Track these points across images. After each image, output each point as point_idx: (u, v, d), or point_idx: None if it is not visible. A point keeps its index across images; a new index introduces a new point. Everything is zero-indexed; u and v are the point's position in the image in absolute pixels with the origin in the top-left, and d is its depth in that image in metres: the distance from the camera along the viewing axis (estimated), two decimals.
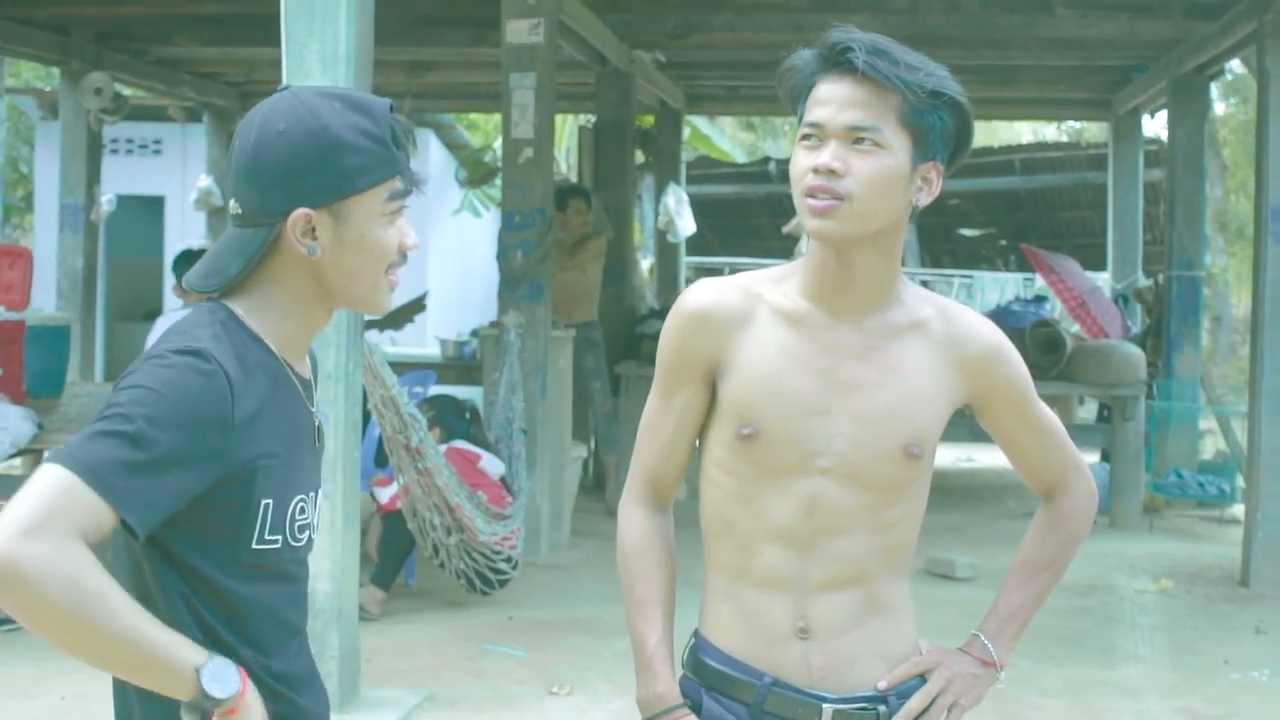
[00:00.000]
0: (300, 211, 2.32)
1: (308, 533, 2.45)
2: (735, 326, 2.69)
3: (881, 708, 2.68)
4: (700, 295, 2.74)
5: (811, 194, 2.57)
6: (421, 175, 2.43)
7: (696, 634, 2.80)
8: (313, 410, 2.48)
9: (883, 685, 2.68)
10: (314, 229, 2.33)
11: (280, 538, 2.36)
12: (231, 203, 2.38)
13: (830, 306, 2.66)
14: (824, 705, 2.65)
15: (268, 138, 2.33)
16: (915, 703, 2.70)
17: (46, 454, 9.15)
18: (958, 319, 2.76)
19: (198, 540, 2.27)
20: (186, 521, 2.23)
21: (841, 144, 2.56)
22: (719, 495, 2.74)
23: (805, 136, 2.60)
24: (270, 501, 2.32)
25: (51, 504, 2.05)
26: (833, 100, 2.57)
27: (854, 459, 2.64)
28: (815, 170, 2.56)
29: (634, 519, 2.83)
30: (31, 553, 2.02)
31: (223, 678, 2.17)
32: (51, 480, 2.06)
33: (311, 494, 2.45)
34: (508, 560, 8.20)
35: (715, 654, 2.73)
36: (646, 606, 2.77)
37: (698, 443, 2.82)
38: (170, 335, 2.31)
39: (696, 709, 2.72)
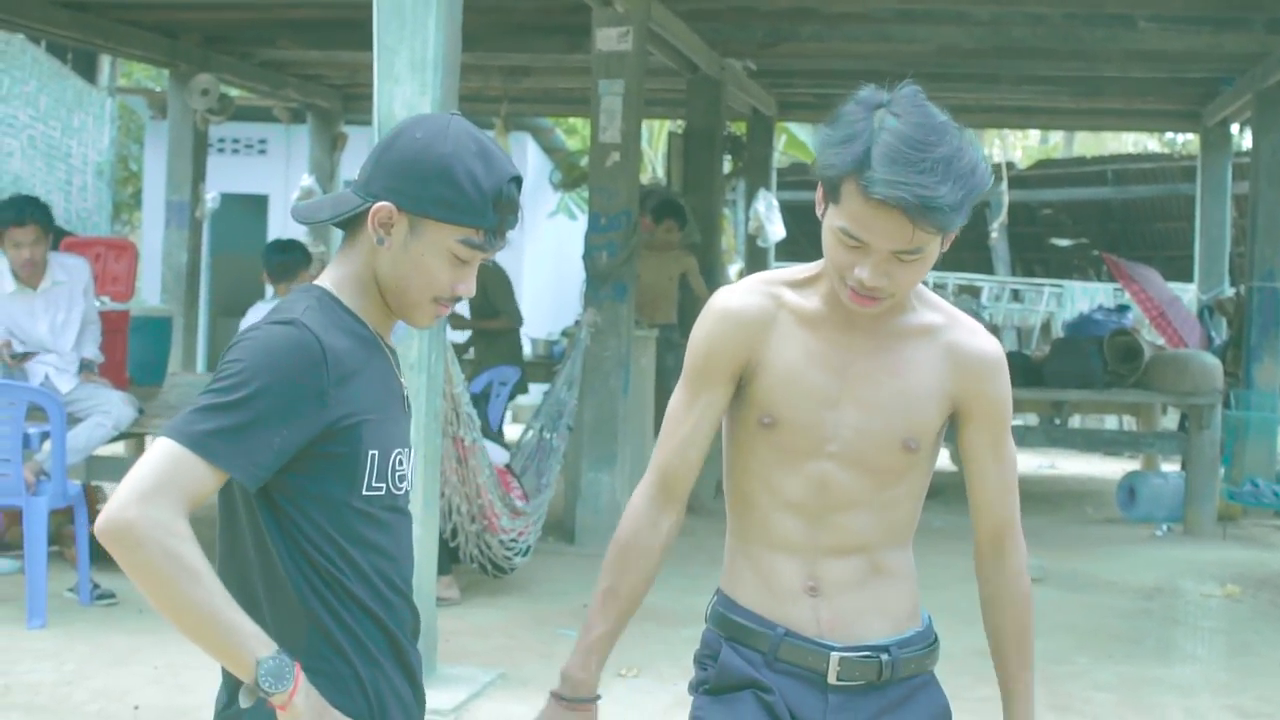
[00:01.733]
0: (387, 204, 2.57)
1: (406, 483, 2.70)
2: (762, 329, 2.95)
3: (884, 656, 2.94)
4: (729, 299, 3.01)
5: (856, 291, 2.78)
6: (504, 243, 2.65)
7: (719, 591, 3.08)
8: (401, 379, 2.75)
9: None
10: (391, 224, 2.58)
11: (385, 485, 2.62)
12: (360, 170, 2.65)
13: (848, 311, 2.90)
14: (831, 653, 2.92)
15: (406, 136, 2.61)
16: None
17: (154, 432, 9.55)
18: (963, 327, 2.99)
19: (314, 491, 2.54)
20: (304, 474, 2.51)
21: (884, 259, 2.75)
22: (741, 473, 3.03)
23: (846, 237, 2.75)
24: (376, 452, 2.59)
25: (162, 473, 2.38)
26: (875, 229, 2.71)
27: (859, 446, 2.91)
28: (861, 283, 2.76)
29: (634, 510, 3.07)
30: (145, 515, 2.34)
31: (278, 675, 2.40)
32: (162, 451, 2.39)
33: (406, 449, 2.71)
34: (520, 550, 8.49)
35: (735, 608, 3.01)
36: (608, 601, 3.03)
37: (723, 426, 3.08)
38: (270, 313, 2.60)
39: (715, 657, 3.01)
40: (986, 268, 20.56)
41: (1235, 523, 12.19)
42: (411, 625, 2.74)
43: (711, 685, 3.02)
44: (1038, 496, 13.72)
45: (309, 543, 2.55)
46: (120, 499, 2.35)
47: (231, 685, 2.61)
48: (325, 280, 2.67)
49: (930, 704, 3.02)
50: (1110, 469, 15.53)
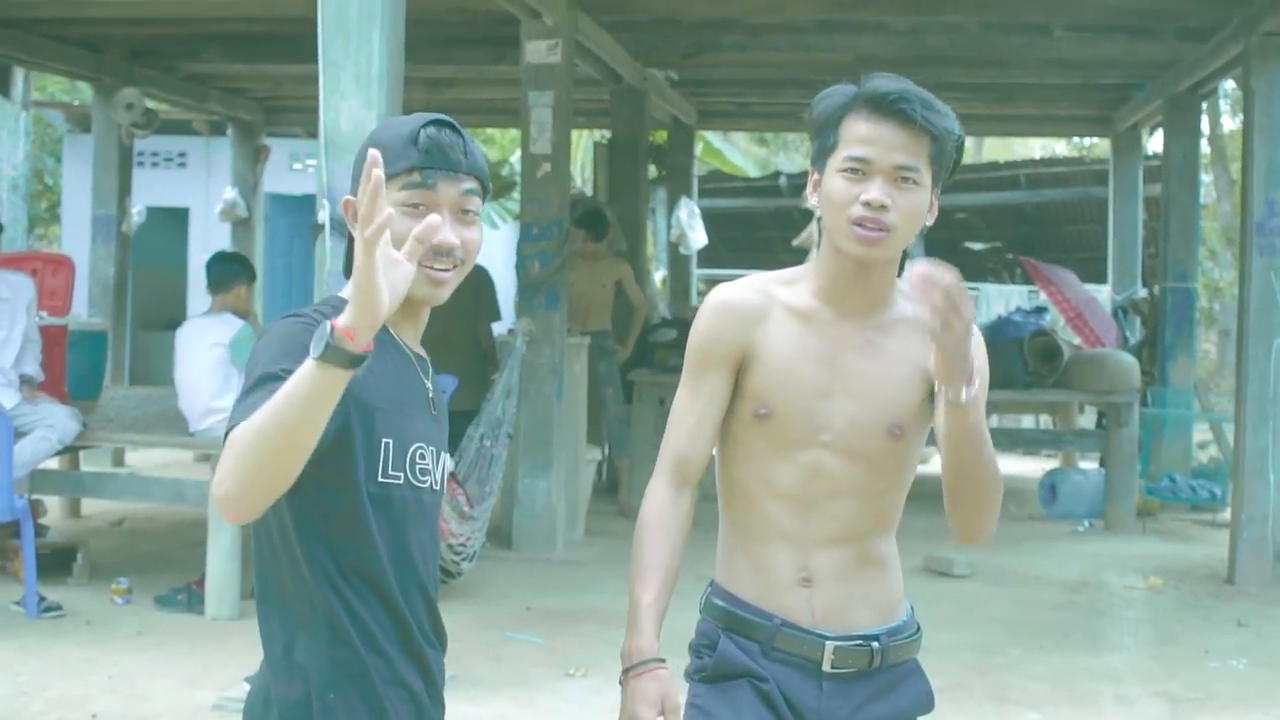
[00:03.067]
0: (346, 198, 2.72)
1: (429, 479, 2.78)
2: (756, 321, 3.12)
3: (874, 645, 3.11)
4: (726, 293, 3.18)
5: (860, 223, 2.98)
6: (444, 175, 2.70)
7: (713, 583, 3.22)
8: (427, 383, 2.83)
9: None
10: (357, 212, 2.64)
11: (402, 475, 2.72)
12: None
13: (839, 306, 3.09)
14: (826, 642, 3.09)
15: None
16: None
17: (94, 446, 9.56)
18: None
19: (334, 478, 2.62)
20: (325, 462, 2.55)
21: (887, 181, 2.97)
22: (734, 465, 3.18)
23: (849, 169, 2.98)
24: (390, 441, 2.68)
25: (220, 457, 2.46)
26: (880, 141, 2.97)
27: (849, 434, 3.08)
28: (867, 204, 2.96)
29: (655, 494, 3.22)
30: (221, 492, 2.41)
31: (316, 341, 2.33)
32: (228, 443, 2.44)
33: (432, 448, 2.79)
34: (468, 555, 8.59)
35: (731, 600, 3.16)
36: (647, 572, 3.14)
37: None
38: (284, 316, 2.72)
39: (713, 648, 3.15)
40: (901, 271, 20.76)
41: (1154, 517, 12.48)
42: (429, 620, 2.81)
43: (708, 673, 3.15)
44: None
45: (327, 528, 2.64)
46: (214, 491, 2.44)
47: (254, 684, 2.74)
48: (344, 292, 2.73)
49: (915, 688, 3.19)
50: (1029, 467, 15.80)
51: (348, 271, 2.67)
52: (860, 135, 2.97)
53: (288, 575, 2.66)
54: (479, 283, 10.49)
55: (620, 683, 3.08)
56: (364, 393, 2.60)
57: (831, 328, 3.10)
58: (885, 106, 2.96)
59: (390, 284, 2.36)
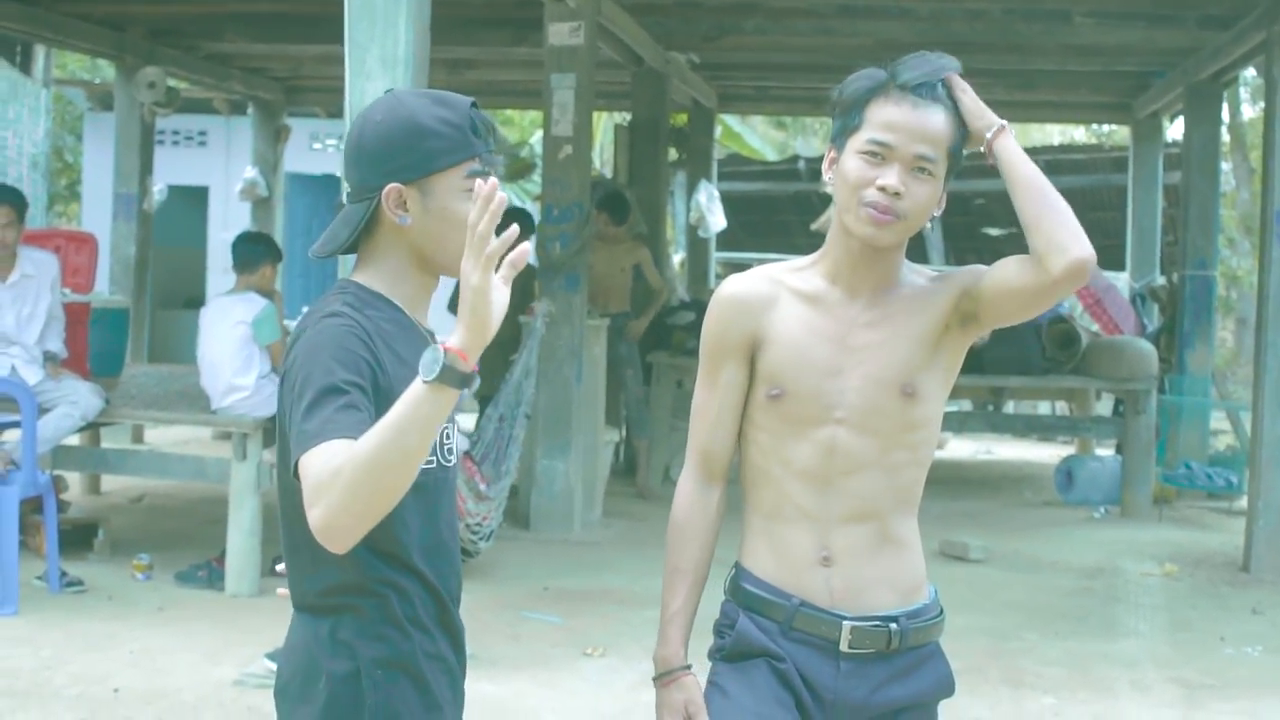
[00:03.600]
0: (392, 186, 2.73)
1: (454, 456, 2.87)
2: (765, 308, 3.18)
3: (893, 626, 3.14)
4: (734, 285, 3.24)
5: (873, 206, 3.03)
6: (500, 161, 2.82)
7: (737, 564, 3.28)
8: None
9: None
10: (405, 201, 2.75)
11: (434, 459, 2.78)
12: (344, 186, 2.81)
13: (848, 286, 3.14)
14: (844, 622, 3.13)
15: (368, 127, 2.77)
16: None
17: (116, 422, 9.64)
18: (944, 271, 3.25)
19: None
20: None
21: (904, 168, 3.02)
22: (754, 449, 3.23)
23: (870, 152, 3.03)
24: None
25: (316, 482, 2.45)
26: (904, 128, 3.02)
27: (862, 409, 3.12)
28: (883, 189, 3.01)
29: (683, 492, 3.30)
30: (322, 517, 2.43)
31: (429, 364, 2.39)
32: (304, 468, 2.48)
33: (452, 424, 2.86)
34: (484, 535, 8.63)
35: (752, 580, 3.21)
36: (675, 578, 3.26)
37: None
38: (311, 313, 2.75)
39: (734, 627, 3.22)
40: (921, 257, 20.75)
41: (1170, 505, 12.49)
42: (455, 588, 2.89)
43: (727, 652, 3.21)
44: (976, 481, 14.03)
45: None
46: (312, 518, 2.46)
47: (291, 659, 2.80)
48: (357, 277, 2.82)
49: (935, 672, 3.22)
50: (1045, 454, 15.83)
51: (453, 306, 2.74)
52: (886, 120, 3.02)
53: (327, 560, 2.67)
54: (528, 276, 10.48)
55: (656, 691, 3.22)
56: (399, 385, 2.61)
57: (840, 308, 3.15)
58: (915, 94, 3.02)
59: (498, 304, 2.42)
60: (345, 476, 2.40)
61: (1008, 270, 3.07)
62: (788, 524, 3.17)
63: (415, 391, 2.38)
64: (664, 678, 3.19)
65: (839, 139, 3.09)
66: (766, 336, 3.16)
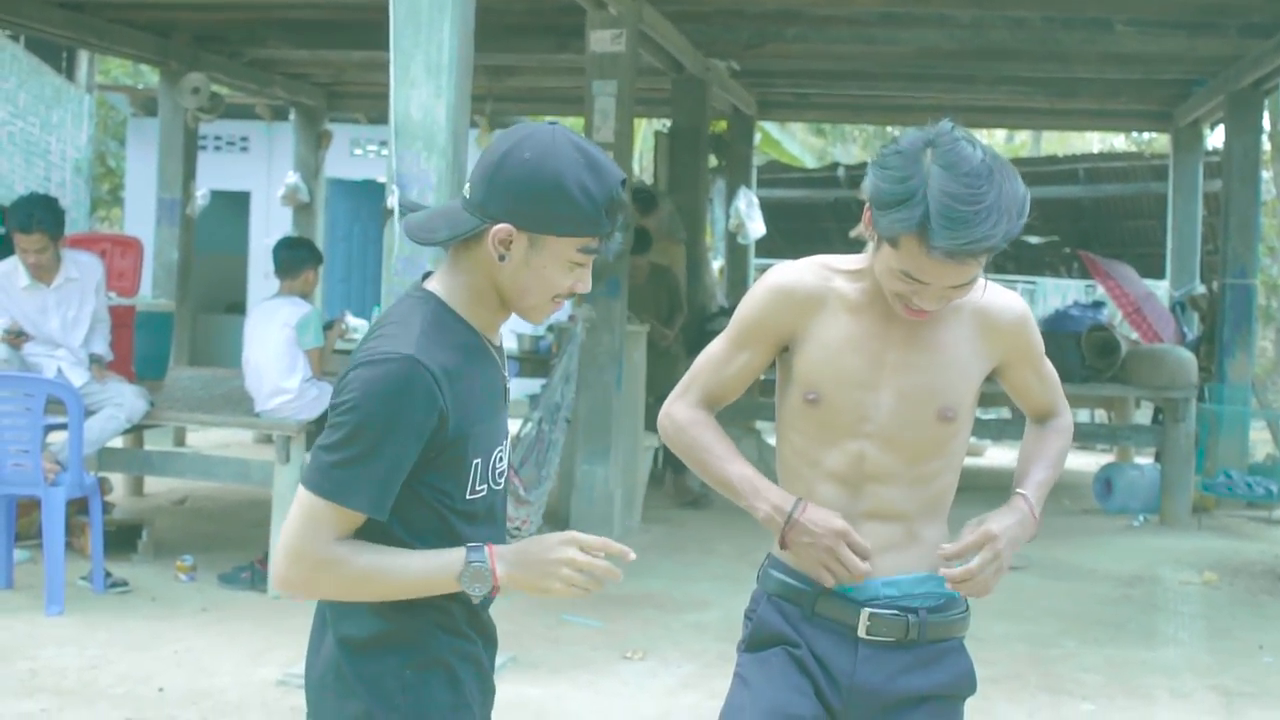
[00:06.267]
0: (506, 225, 2.68)
1: (503, 479, 2.90)
2: (812, 309, 3.22)
3: (911, 617, 3.19)
4: (787, 274, 3.28)
5: (908, 306, 3.08)
6: (618, 241, 2.80)
7: (769, 554, 3.36)
8: (504, 373, 2.91)
9: (948, 550, 3.11)
10: (511, 243, 2.70)
11: (486, 486, 2.81)
12: (468, 185, 2.76)
13: (888, 306, 3.16)
14: (862, 609, 3.19)
15: (515, 157, 2.69)
16: (974, 566, 3.11)
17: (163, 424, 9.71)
18: (988, 293, 3.25)
19: (423, 496, 2.72)
20: (414, 484, 2.68)
21: (938, 292, 3.04)
22: (788, 447, 3.31)
23: (904, 274, 3.00)
24: (480, 460, 2.77)
25: (303, 530, 2.64)
26: (941, 274, 2.98)
27: (891, 427, 3.18)
28: (919, 310, 3.07)
29: (680, 408, 3.37)
30: (295, 576, 2.67)
31: (479, 578, 2.68)
32: (300, 507, 2.64)
33: (504, 444, 2.89)
34: (523, 539, 8.64)
35: (781, 568, 3.30)
36: (716, 447, 3.32)
37: (776, 406, 3.36)
38: (386, 325, 2.75)
39: (754, 613, 3.31)
40: None
41: (1209, 513, 12.47)
42: (489, 598, 2.91)
43: (750, 641, 3.31)
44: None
45: (410, 536, 2.72)
46: (279, 565, 2.68)
47: (320, 655, 2.83)
48: (437, 287, 2.79)
49: (956, 666, 3.27)
50: (1084, 462, 15.80)
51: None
52: (919, 264, 2.97)
53: None
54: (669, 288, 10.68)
55: (783, 542, 3.23)
56: (460, 424, 2.69)
57: (881, 324, 3.19)
58: (951, 255, 2.93)
59: (558, 585, 2.72)
60: (330, 572, 2.65)
61: (1022, 403, 3.45)
62: None
63: (440, 572, 2.67)
64: (793, 517, 3.18)
65: (879, 222, 3.01)
66: (807, 336, 3.21)
